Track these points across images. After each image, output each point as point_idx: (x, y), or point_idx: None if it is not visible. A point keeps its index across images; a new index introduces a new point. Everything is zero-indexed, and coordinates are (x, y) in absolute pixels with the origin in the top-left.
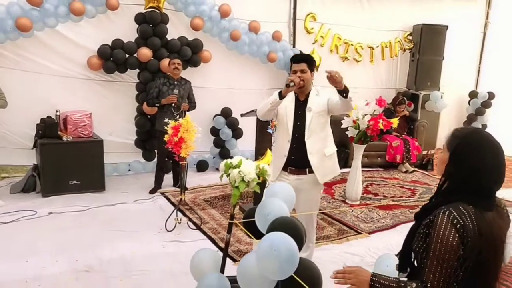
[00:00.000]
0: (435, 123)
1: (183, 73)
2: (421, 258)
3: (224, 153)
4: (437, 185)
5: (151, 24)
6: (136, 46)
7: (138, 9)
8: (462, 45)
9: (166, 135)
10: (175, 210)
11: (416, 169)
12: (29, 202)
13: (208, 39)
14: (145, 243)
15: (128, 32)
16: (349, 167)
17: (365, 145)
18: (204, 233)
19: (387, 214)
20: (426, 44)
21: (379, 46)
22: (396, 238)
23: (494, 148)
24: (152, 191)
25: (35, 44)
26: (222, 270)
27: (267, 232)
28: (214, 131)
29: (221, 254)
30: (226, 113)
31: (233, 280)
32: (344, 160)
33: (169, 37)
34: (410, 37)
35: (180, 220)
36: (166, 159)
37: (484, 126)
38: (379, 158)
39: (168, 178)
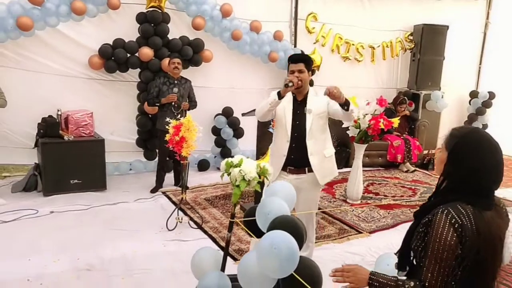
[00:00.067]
0: (436, 123)
1: (184, 72)
2: (420, 257)
3: (225, 153)
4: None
5: (152, 23)
6: (138, 45)
7: (140, 8)
8: (463, 45)
9: (167, 135)
10: (176, 209)
11: (417, 168)
12: (31, 201)
13: (210, 38)
14: (146, 242)
15: (130, 32)
16: (350, 166)
17: (366, 145)
18: (205, 232)
19: (388, 213)
20: (427, 44)
21: (380, 46)
22: (396, 237)
23: (492, 147)
24: (153, 190)
25: (36, 43)
26: (223, 269)
27: (268, 230)
28: (215, 131)
29: (222, 253)
30: (227, 112)
31: (233, 278)
32: (345, 159)
33: (170, 36)
34: (411, 37)
35: (181, 219)
36: (167, 158)
37: (485, 125)
38: (380, 158)
39: (169, 177)
